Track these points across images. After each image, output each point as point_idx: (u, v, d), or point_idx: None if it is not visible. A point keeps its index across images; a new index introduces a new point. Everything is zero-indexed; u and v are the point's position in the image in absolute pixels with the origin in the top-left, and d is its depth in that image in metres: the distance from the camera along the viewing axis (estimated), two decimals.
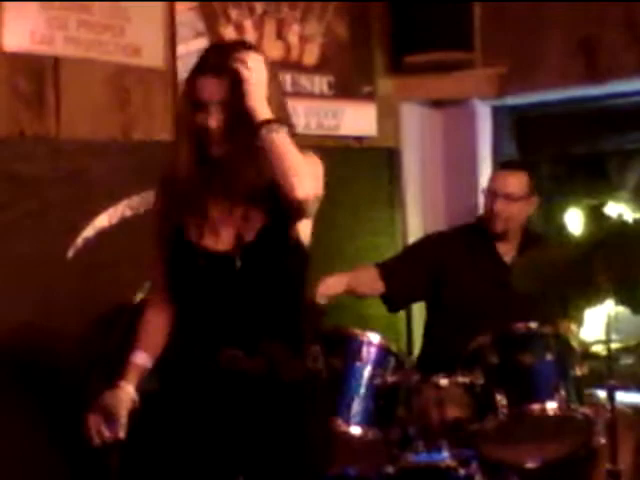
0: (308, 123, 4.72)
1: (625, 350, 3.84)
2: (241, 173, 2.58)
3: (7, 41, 3.79)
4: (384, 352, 3.51)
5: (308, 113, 4.72)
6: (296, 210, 2.54)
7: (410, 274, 4.16)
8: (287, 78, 4.67)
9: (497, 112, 5.17)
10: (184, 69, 4.29)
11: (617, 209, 4.79)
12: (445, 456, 3.43)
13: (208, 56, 2.65)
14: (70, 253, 3.90)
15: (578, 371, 3.47)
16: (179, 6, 4.30)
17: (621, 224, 3.82)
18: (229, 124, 2.57)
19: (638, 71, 4.54)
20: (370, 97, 4.96)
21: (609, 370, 3.43)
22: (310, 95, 4.75)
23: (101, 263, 3.94)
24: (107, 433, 2.69)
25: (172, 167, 2.68)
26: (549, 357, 3.45)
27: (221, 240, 2.64)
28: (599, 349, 3.71)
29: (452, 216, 4.85)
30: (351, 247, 4.77)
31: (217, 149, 2.59)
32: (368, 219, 4.90)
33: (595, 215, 4.64)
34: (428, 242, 4.34)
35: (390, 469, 3.40)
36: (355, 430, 3.35)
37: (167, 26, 4.27)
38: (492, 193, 4.16)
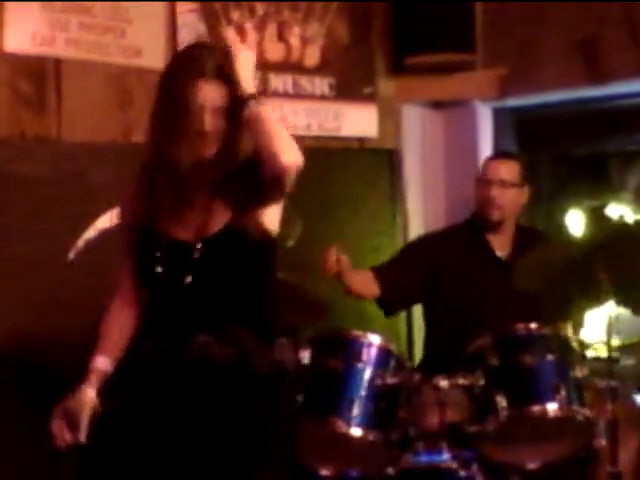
0: (309, 124, 4.72)
1: (626, 351, 3.84)
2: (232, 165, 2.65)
3: (8, 42, 3.79)
4: (385, 353, 3.50)
5: (309, 114, 4.73)
6: (278, 179, 2.58)
7: (404, 276, 4.16)
8: (288, 79, 4.68)
9: (498, 113, 5.17)
10: None
11: (618, 210, 4.79)
12: (446, 457, 3.42)
13: (206, 57, 2.65)
14: (71, 255, 3.91)
15: (578, 372, 3.47)
16: (180, 7, 4.31)
17: (622, 225, 3.81)
18: (222, 129, 2.63)
19: (638, 72, 4.54)
20: (371, 98, 4.96)
21: (610, 371, 3.43)
22: (311, 96, 4.76)
23: (102, 265, 3.93)
24: (69, 436, 2.73)
25: (157, 159, 2.70)
26: (549, 358, 3.45)
27: (187, 230, 2.69)
28: (600, 350, 3.71)
29: (453, 217, 4.85)
30: (352, 247, 4.76)
31: (206, 151, 2.64)
32: (369, 220, 4.90)
33: (596, 216, 4.62)
34: (421, 243, 4.35)
35: (390, 470, 3.39)
36: (355, 431, 3.35)
37: (168, 27, 4.28)
38: (486, 181, 4.18)
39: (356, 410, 3.36)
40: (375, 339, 3.50)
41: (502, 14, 4.86)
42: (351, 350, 3.45)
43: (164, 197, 2.68)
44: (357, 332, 3.52)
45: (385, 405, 3.43)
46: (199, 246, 2.65)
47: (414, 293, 4.23)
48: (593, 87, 4.73)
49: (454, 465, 3.41)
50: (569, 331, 3.56)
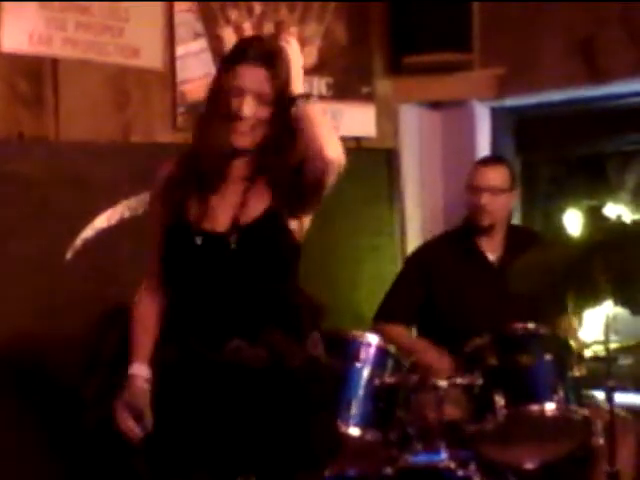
0: None
1: (624, 351, 3.83)
2: (270, 162, 2.64)
3: (6, 42, 3.79)
4: (383, 353, 3.51)
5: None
6: (320, 179, 2.58)
7: (413, 300, 4.14)
8: None
9: (496, 113, 5.17)
10: (183, 70, 4.31)
11: (616, 210, 4.79)
12: (444, 457, 3.42)
13: (253, 45, 2.66)
14: (69, 254, 3.90)
15: (576, 372, 3.47)
16: (178, 7, 4.31)
17: (620, 225, 3.82)
18: (264, 118, 2.61)
19: (637, 72, 4.54)
20: (369, 98, 4.96)
21: (608, 371, 3.43)
22: None
23: (100, 264, 3.94)
24: (137, 429, 2.67)
25: (198, 147, 2.68)
26: (547, 358, 3.45)
27: (219, 222, 2.64)
28: (598, 350, 3.71)
29: (451, 217, 4.85)
30: (350, 247, 4.78)
31: (240, 140, 2.62)
32: (367, 220, 4.89)
33: (594, 216, 4.65)
34: (412, 261, 4.34)
35: (389, 470, 3.40)
36: (354, 431, 3.35)
37: (166, 27, 4.28)
38: (476, 188, 4.17)
39: (354, 410, 3.36)
40: (373, 339, 3.51)
41: (500, 14, 4.85)
42: (349, 350, 3.45)
43: (195, 186, 2.65)
44: (355, 332, 3.53)
45: (383, 405, 3.44)
46: (232, 236, 2.60)
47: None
48: (591, 87, 4.72)
49: (452, 465, 3.41)
50: (571, 328, 3.57)
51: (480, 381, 3.47)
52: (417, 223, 5.18)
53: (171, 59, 4.29)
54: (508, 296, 3.72)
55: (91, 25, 4.01)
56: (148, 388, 2.70)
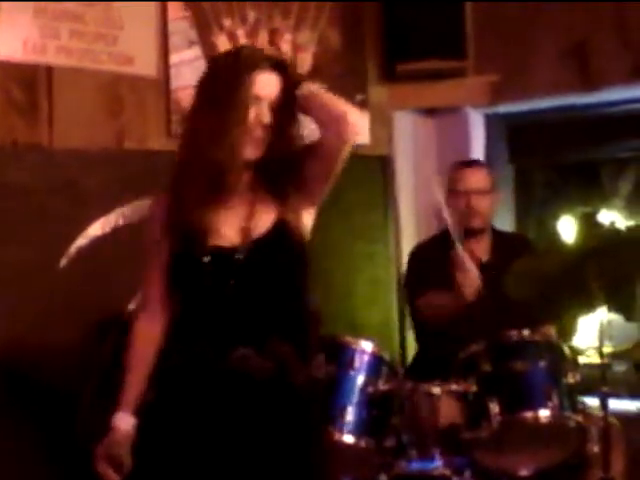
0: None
1: (618, 357, 3.84)
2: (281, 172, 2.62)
3: (0, 50, 3.79)
4: (377, 360, 3.50)
5: (300, 121, 4.72)
6: (342, 142, 2.59)
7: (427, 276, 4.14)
8: None
9: (490, 120, 5.17)
10: (177, 78, 4.32)
11: (610, 217, 4.80)
12: (438, 464, 3.42)
13: (267, 53, 2.68)
14: (63, 262, 3.90)
15: (571, 378, 3.47)
16: (172, 15, 4.31)
17: (614, 232, 3.82)
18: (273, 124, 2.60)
19: (630, 79, 4.55)
20: (363, 105, 4.96)
21: (602, 377, 3.43)
22: None
23: (94, 272, 3.94)
24: (116, 477, 2.63)
25: (197, 159, 2.61)
26: (541, 364, 3.45)
27: (228, 237, 2.60)
28: (592, 356, 3.72)
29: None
30: (345, 254, 4.78)
31: (256, 150, 2.60)
32: (362, 226, 4.90)
33: (588, 222, 4.64)
34: (412, 261, 4.35)
35: (383, 477, 3.39)
36: (348, 438, 3.35)
37: (160, 35, 4.28)
38: (464, 192, 4.17)
39: (348, 417, 3.36)
40: (367, 346, 3.50)
41: (493, 21, 4.86)
42: (343, 357, 3.45)
43: (203, 200, 2.59)
44: (349, 339, 3.52)
45: (378, 412, 3.43)
46: (242, 251, 2.57)
47: None
48: (585, 94, 4.73)
49: (447, 472, 3.40)
50: (554, 334, 3.57)
51: (474, 388, 3.46)
52: (411, 229, 5.18)
53: (165, 67, 4.30)
54: (499, 298, 3.72)
55: (85, 33, 4.01)
56: (129, 438, 2.65)
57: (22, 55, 3.85)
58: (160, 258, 2.67)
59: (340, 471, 3.42)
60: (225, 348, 2.56)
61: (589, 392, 3.61)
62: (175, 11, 4.33)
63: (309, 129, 2.73)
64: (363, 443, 3.37)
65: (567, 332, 3.99)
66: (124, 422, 2.65)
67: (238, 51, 2.71)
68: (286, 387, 2.57)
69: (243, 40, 4.55)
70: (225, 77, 2.59)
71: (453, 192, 4.23)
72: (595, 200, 5.01)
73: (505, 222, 4.91)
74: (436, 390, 3.45)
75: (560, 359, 3.52)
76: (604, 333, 3.47)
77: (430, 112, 5.22)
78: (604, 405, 3.42)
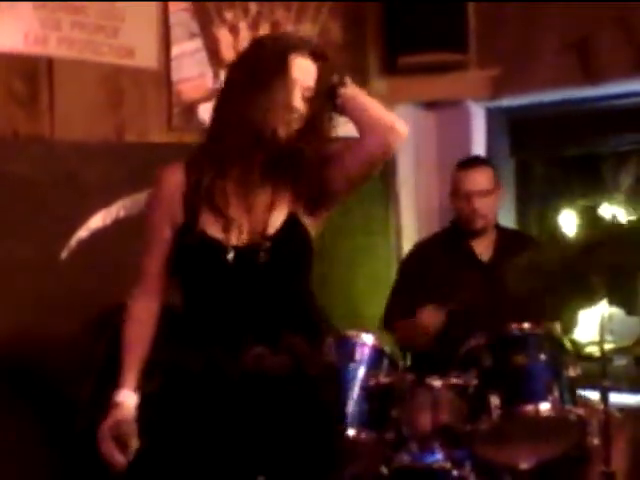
0: None
1: (619, 351, 3.84)
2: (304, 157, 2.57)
3: (1, 42, 3.79)
4: (378, 353, 3.50)
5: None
6: (386, 149, 2.62)
7: (414, 298, 4.11)
8: None
9: (491, 113, 5.17)
10: (178, 70, 4.31)
11: (611, 210, 4.80)
12: (439, 457, 3.42)
13: (297, 37, 2.68)
14: (64, 254, 3.90)
15: (571, 372, 3.47)
16: (173, 7, 4.30)
17: (615, 225, 3.82)
18: (304, 114, 2.57)
19: (632, 72, 4.55)
20: None
21: (603, 371, 3.44)
22: None
23: (95, 264, 3.93)
24: (121, 458, 2.58)
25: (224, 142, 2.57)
26: (542, 358, 3.45)
27: (245, 232, 2.56)
28: (593, 350, 3.71)
29: (446, 216, 4.84)
30: (345, 247, 4.77)
31: (285, 131, 2.55)
32: (362, 219, 4.89)
33: (589, 216, 4.65)
34: (410, 262, 4.35)
35: (384, 470, 3.40)
36: (349, 431, 3.35)
37: (161, 27, 4.27)
38: (466, 193, 4.18)
39: (349, 410, 3.36)
40: (368, 339, 3.50)
41: (495, 14, 4.85)
42: (344, 350, 3.45)
43: (225, 177, 2.56)
44: (350, 332, 3.52)
45: (378, 405, 3.43)
46: (264, 248, 2.53)
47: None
48: (586, 87, 4.72)
49: (447, 465, 3.41)
50: (557, 329, 3.57)
51: (475, 381, 3.46)
52: (412, 223, 5.18)
53: (166, 59, 4.29)
54: (502, 297, 3.72)
55: (86, 25, 4.00)
56: (134, 416, 2.61)
57: (23, 47, 3.84)
58: (163, 233, 2.63)
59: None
60: (239, 348, 2.53)
61: (590, 386, 3.61)
62: (176, 3, 4.32)
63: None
64: (364, 436, 3.37)
65: (568, 326, 4.00)
66: (127, 398, 2.62)
67: (281, 34, 2.72)
68: (302, 379, 2.55)
69: (245, 32, 4.54)
70: (264, 55, 2.57)
71: (455, 194, 4.24)
72: (596, 194, 5.01)
73: (506, 216, 4.91)
74: (437, 383, 3.46)
75: (561, 353, 3.52)
76: (605, 327, 3.47)
77: (431, 105, 5.21)
78: (605, 399, 3.42)
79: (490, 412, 3.38)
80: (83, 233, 3.96)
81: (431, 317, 3.90)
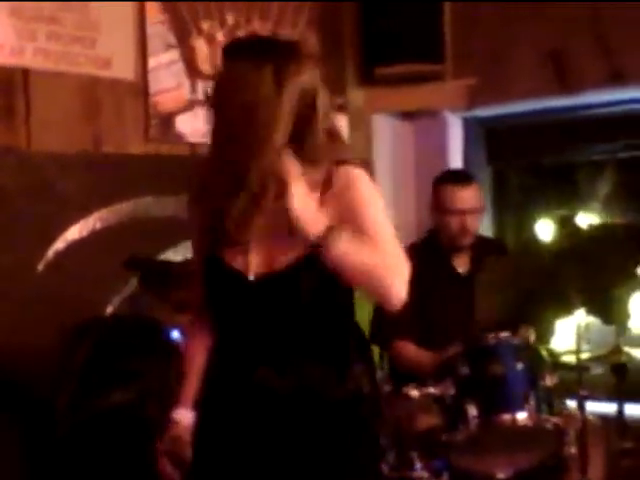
0: None
1: (595, 360, 3.85)
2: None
3: None
4: None
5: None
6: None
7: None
8: None
9: (467, 123, 5.20)
10: (155, 81, 4.31)
11: (587, 219, 4.81)
12: (417, 467, 3.42)
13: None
14: (41, 266, 3.89)
15: (548, 381, 3.48)
16: (150, 18, 4.30)
17: (591, 234, 3.83)
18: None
19: (606, 82, 4.58)
20: (341, 109, 4.97)
21: (579, 380, 3.45)
22: None
23: (72, 276, 3.92)
24: (176, 475, 2.63)
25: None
26: (519, 367, 3.46)
27: (255, 263, 2.51)
28: (570, 359, 3.73)
29: (424, 226, 4.86)
30: None
31: None
32: None
33: (565, 225, 4.66)
34: None
35: None
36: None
37: (138, 38, 4.27)
38: (459, 211, 4.12)
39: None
40: None
41: (471, 25, 4.88)
42: None
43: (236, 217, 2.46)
44: None
45: None
46: (265, 281, 2.49)
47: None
48: (561, 97, 4.76)
49: (425, 475, 3.40)
50: (532, 336, 3.58)
51: (452, 391, 3.47)
52: None
53: (143, 70, 4.28)
54: (480, 307, 3.73)
55: (62, 36, 3.99)
56: (190, 432, 2.64)
57: None
58: (199, 262, 2.63)
59: None
60: (248, 368, 2.52)
61: (567, 394, 3.62)
62: (153, 14, 4.31)
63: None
64: None
65: (545, 335, 4.01)
66: (184, 416, 2.65)
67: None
68: (314, 403, 2.50)
69: (222, 43, 4.53)
70: None
71: (444, 209, 4.17)
72: (572, 202, 5.03)
73: (483, 225, 4.92)
74: (414, 393, 3.46)
75: (538, 362, 3.53)
76: (581, 336, 3.48)
77: (408, 115, 5.24)
78: (581, 407, 3.43)
79: (468, 422, 3.39)
80: (60, 244, 3.94)
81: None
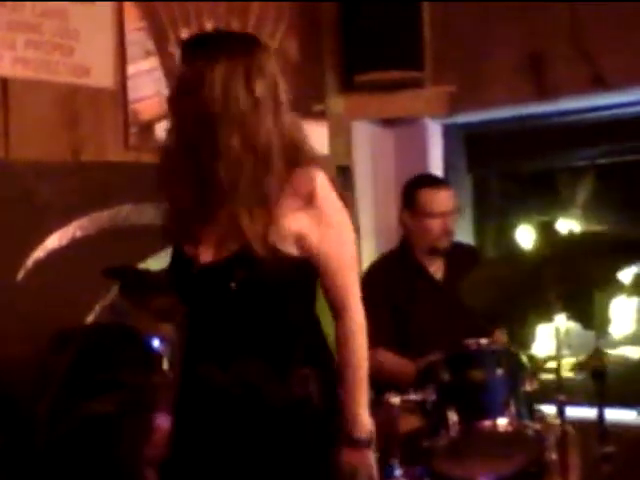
0: None
1: (576, 365, 3.86)
2: None
3: None
4: None
5: None
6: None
7: (381, 319, 4.07)
8: None
9: (447, 130, 5.21)
10: (134, 89, 4.30)
11: (567, 225, 4.83)
12: (398, 473, 3.42)
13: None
14: (20, 275, 3.87)
15: (528, 386, 3.49)
16: (128, 26, 4.29)
17: (571, 240, 3.85)
18: None
19: (586, 88, 4.60)
20: (321, 116, 4.97)
21: (559, 385, 3.46)
22: None
23: (52, 285, 3.90)
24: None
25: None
26: (499, 373, 3.47)
27: (209, 251, 2.53)
28: (550, 365, 3.73)
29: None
30: None
31: None
32: None
33: (545, 231, 4.67)
34: (369, 282, 4.30)
35: None
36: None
37: (117, 46, 4.26)
38: (439, 213, 4.16)
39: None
40: None
41: (450, 32, 4.90)
42: None
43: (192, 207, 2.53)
44: None
45: None
46: (224, 271, 2.50)
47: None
48: (541, 103, 4.77)
49: None
50: (506, 339, 3.59)
51: (433, 397, 3.47)
52: (371, 240, 5.20)
53: (122, 78, 4.27)
54: (457, 313, 3.74)
55: (41, 44, 3.98)
56: (168, 436, 2.67)
57: None
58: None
59: None
60: (194, 363, 2.56)
61: (547, 400, 3.63)
62: (132, 22, 4.31)
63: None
64: None
65: (525, 340, 4.02)
66: (164, 421, 2.69)
67: None
68: (257, 404, 2.50)
69: None
70: None
71: (423, 213, 4.19)
72: (553, 209, 5.05)
73: (463, 231, 4.94)
74: (395, 400, 3.46)
75: (518, 368, 3.54)
76: (561, 341, 3.49)
77: (388, 122, 5.24)
78: (561, 413, 3.44)
79: (448, 428, 3.39)
80: (40, 253, 3.93)
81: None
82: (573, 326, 3.82)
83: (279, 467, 2.50)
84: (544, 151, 5.09)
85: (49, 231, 3.95)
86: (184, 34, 4.50)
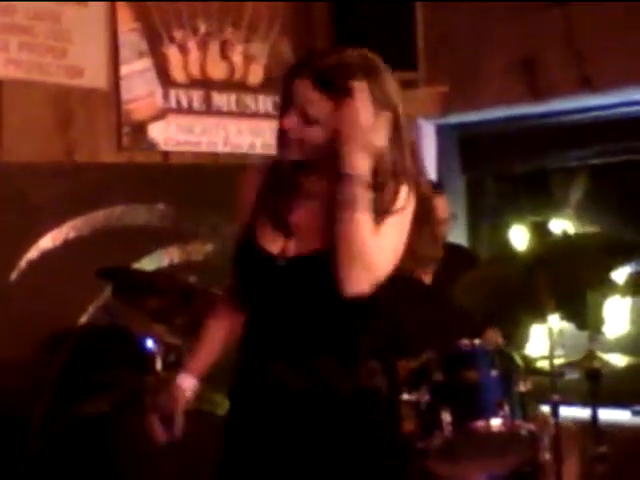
0: (253, 143, 4.72)
1: (569, 365, 3.86)
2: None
3: None
4: None
5: (253, 133, 4.73)
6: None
7: None
8: (232, 98, 4.68)
9: (441, 131, 5.21)
10: (127, 90, 4.30)
11: (561, 225, 4.83)
12: None
13: (305, 61, 2.52)
14: (14, 275, 3.87)
15: (522, 387, 3.49)
16: (121, 27, 4.29)
17: (564, 240, 3.85)
18: (314, 139, 2.44)
19: (578, 89, 4.60)
20: None
21: (553, 385, 3.46)
22: (255, 115, 4.76)
23: (45, 285, 3.91)
24: (163, 434, 2.63)
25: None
26: (493, 373, 3.46)
27: (287, 247, 2.50)
28: (544, 365, 3.74)
29: None
30: None
31: (290, 152, 2.46)
32: None
33: (539, 231, 4.68)
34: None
35: None
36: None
37: (110, 47, 4.26)
38: (440, 220, 4.15)
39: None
40: None
41: (444, 33, 4.89)
42: None
43: (266, 204, 2.52)
44: None
45: None
46: (285, 264, 2.48)
47: None
48: (534, 104, 4.77)
49: None
50: (499, 338, 3.59)
51: (427, 397, 3.47)
52: None
53: (115, 79, 4.28)
54: (447, 314, 3.74)
55: (34, 46, 3.98)
56: (187, 398, 2.64)
57: None
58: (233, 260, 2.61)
59: None
60: (263, 362, 2.51)
61: (541, 400, 3.63)
62: (125, 23, 4.31)
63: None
64: None
65: (519, 340, 4.02)
66: (186, 382, 2.65)
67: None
68: (327, 399, 2.48)
69: (194, 51, 4.54)
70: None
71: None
72: (546, 209, 5.05)
73: (457, 232, 4.93)
74: None
75: (512, 368, 3.54)
76: (555, 341, 3.49)
77: None
78: (555, 413, 3.44)
79: (442, 428, 3.39)
80: (33, 254, 3.93)
81: None
82: (567, 326, 3.82)
83: (350, 462, 2.49)
84: (537, 152, 5.09)
85: (42, 232, 3.96)
86: (177, 35, 4.50)
